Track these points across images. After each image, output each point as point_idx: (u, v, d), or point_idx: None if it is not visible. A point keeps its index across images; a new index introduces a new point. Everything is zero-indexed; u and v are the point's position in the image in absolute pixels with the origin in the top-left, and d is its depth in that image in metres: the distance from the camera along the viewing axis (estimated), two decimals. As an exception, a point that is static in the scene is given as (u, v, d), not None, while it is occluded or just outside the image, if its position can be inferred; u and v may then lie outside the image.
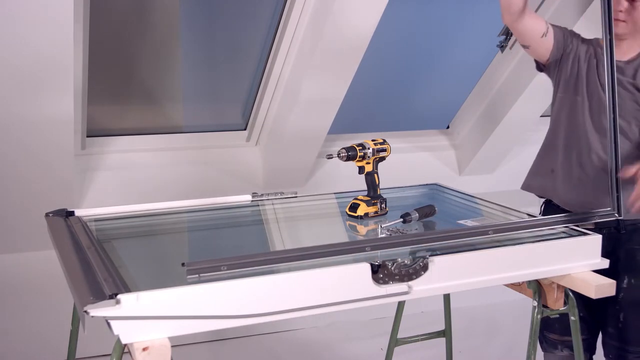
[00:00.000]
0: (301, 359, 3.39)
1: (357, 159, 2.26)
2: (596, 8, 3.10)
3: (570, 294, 1.99)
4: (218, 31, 3.13)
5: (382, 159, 2.33)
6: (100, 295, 1.43)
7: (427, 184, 2.61)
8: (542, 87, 3.37)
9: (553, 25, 2.31)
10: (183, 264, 1.58)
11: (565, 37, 2.31)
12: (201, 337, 3.27)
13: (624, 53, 2.21)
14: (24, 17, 2.25)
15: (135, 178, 3.17)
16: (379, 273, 1.68)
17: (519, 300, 2.21)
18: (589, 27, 3.20)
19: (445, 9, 3.38)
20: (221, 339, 3.42)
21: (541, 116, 3.76)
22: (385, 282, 1.68)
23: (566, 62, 2.29)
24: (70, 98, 2.55)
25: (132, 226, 2.20)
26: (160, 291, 1.47)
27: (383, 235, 2.04)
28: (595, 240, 1.96)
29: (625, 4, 2.12)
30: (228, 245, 2.10)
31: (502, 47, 3.44)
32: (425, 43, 3.54)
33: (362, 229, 2.18)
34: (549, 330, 2.45)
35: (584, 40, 2.30)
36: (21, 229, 2.95)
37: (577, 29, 3.14)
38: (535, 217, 2.15)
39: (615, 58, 2.12)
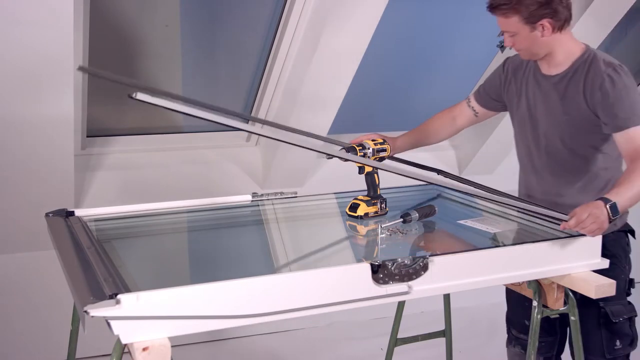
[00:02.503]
0: (301, 359, 3.39)
1: (357, 159, 2.26)
2: (598, 6, 3.10)
3: (570, 294, 1.99)
4: (218, 31, 3.13)
5: (382, 159, 2.33)
6: (100, 295, 1.43)
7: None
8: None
9: (474, 94, 2.46)
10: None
11: (492, 89, 2.40)
12: (201, 337, 3.27)
13: (548, 69, 2.22)
14: (24, 17, 2.25)
15: (135, 178, 3.17)
16: (379, 273, 1.68)
17: (519, 300, 2.21)
18: (590, 25, 3.20)
19: (445, 8, 3.37)
20: (221, 339, 3.42)
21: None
22: (385, 282, 1.68)
23: (509, 104, 2.38)
24: (70, 98, 2.55)
25: (132, 226, 2.20)
26: (160, 291, 1.47)
27: (383, 236, 2.04)
28: (595, 241, 1.96)
29: (508, 40, 2.17)
30: (228, 245, 2.10)
31: (502, 47, 3.41)
32: (425, 43, 3.54)
33: (362, 229, 2.19)
34: (512, 325, 2.48)
35: (515, 73, 2.33)
36: (21, 229, 2.95)
37: (579, 26, 3.16)
38: (535, 213, 2.15)
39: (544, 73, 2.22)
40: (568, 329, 2.38)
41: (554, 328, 2.39)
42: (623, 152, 2.08)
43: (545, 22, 2.08)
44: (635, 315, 2.27)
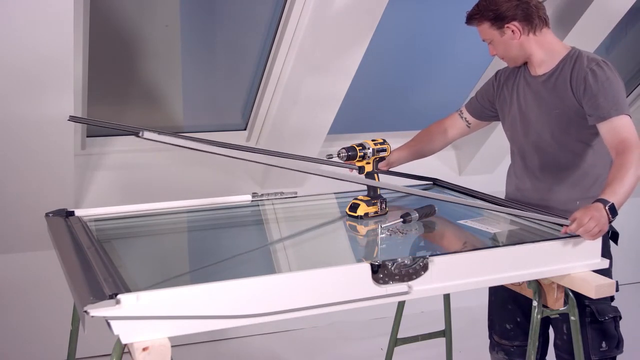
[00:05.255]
0: (301, 359, 3.39)
1: (357, 159, 2.27)
2: (598, 6, 3.10)
3: (570, 294, 1.99)
4: (218, 31, 3.14)
5: (382, 159, 2.33)
6: (100, 295, 1.43)
7: (426, 179, 2.60)
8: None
9: (466, 106, 2.48)
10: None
11: (486, 97, 2.44)
12: (201, 337, 3.27)
13: (536, 70, 2.27)
14: (24, 17, 2.25)
15: (135, 178, 3.17)
16: (379, 273, 1.68)
17: (519, 300, 2.21)
18: (590, 25, 3.20)
19: (445, 9, 3.37)
20: (221, 339, 3.42)
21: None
22: (385, 282, 1.68)
23: (501, 110, 2.42)
24: (70, 98, 2.55)
25: (132, 226, 2.20)
26: (160, 291, 1.47)
27: (383, 236, 2.04)
28: (595, 241, 1.96)
29: (491, 49, 2.28)
30: (228, 245, 2.10)
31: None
32: (425, 43, 3.54)
33: (362, 229, 2.19)
34: (493, 331, 2.50)
35: (507, 81, 2.38)
36: (21, 229, 2.95)
37: (579, 26, 3.15)
38: (535, 211, 2.15)
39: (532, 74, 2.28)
40: (549, 332, 2.39)
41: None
42: (608, 143, 2.10)
43: (512, 25, 2.18)
44: (620, 317, 2.28)
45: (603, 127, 2.10)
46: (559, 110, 2.20)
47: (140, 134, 1.69)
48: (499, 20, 2.19)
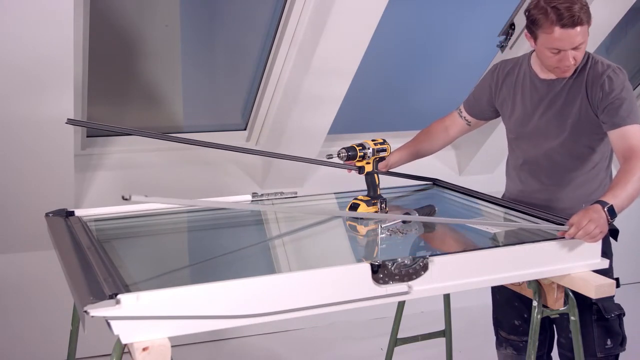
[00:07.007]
0: (301, 359, 3.39)
1: (357, 159, 2.26)
2: (598, 6, 3.09)
3: (570, 294, 1.99)
4: (218, 31, 3.14)
5: (382, 159, 2.33)
6: (100, 295, 1.43)
7: (426, 179, 2.60)
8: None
9: (465, 105, 2.44)
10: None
11: (484, 98, 2.39)
12: (201, 337, 3.27)
13: (548, 74, 2.21)
14: (24, 17, 2.25)
15: (135, 178, 3.17)
16: (379, 273, 1.68)
17: (519, 300, 2.20)
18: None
19: (445, 9, 3.37)
20: (221, 339, 3.42)
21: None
22: (385, 282, 1.68)
23: (502, 110, 2.38)
24: (70, 98, 2.55)
25: (132, 226, 2.20)
26: (160, 291, 1.47)
27: (383, 236, 2.04)
28: (595, 241, 1.96)
29: (572, 55, 2.07)
30: (228, 245, 2.10)
31: (502, 47, 3.44)
32: (426, 43, 3.54)
33: (362, 229, 2.19)
34: (500, 327, 2.49)
35: (506, 79, 2.32)
36: (21, 229, 2.95)
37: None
38: (536, 215, 2.15)
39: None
40: (554, 327, 2.39)
41: (544, 326, 2.39)
42: (616, 149, 2.10)
43: None
44: (624, 314, 2.28)
45: (614, 134, 2.09)
46: (572, 120, 2.17)
47: (127, 198, 1.56)
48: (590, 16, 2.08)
